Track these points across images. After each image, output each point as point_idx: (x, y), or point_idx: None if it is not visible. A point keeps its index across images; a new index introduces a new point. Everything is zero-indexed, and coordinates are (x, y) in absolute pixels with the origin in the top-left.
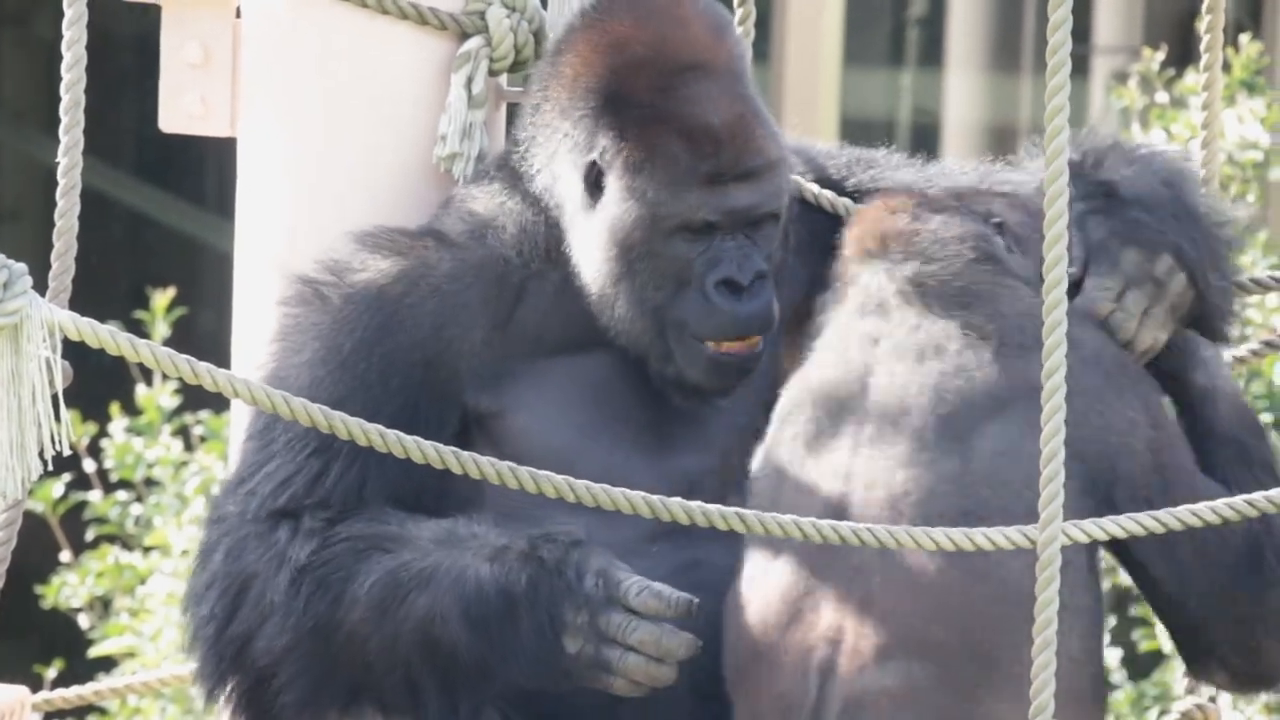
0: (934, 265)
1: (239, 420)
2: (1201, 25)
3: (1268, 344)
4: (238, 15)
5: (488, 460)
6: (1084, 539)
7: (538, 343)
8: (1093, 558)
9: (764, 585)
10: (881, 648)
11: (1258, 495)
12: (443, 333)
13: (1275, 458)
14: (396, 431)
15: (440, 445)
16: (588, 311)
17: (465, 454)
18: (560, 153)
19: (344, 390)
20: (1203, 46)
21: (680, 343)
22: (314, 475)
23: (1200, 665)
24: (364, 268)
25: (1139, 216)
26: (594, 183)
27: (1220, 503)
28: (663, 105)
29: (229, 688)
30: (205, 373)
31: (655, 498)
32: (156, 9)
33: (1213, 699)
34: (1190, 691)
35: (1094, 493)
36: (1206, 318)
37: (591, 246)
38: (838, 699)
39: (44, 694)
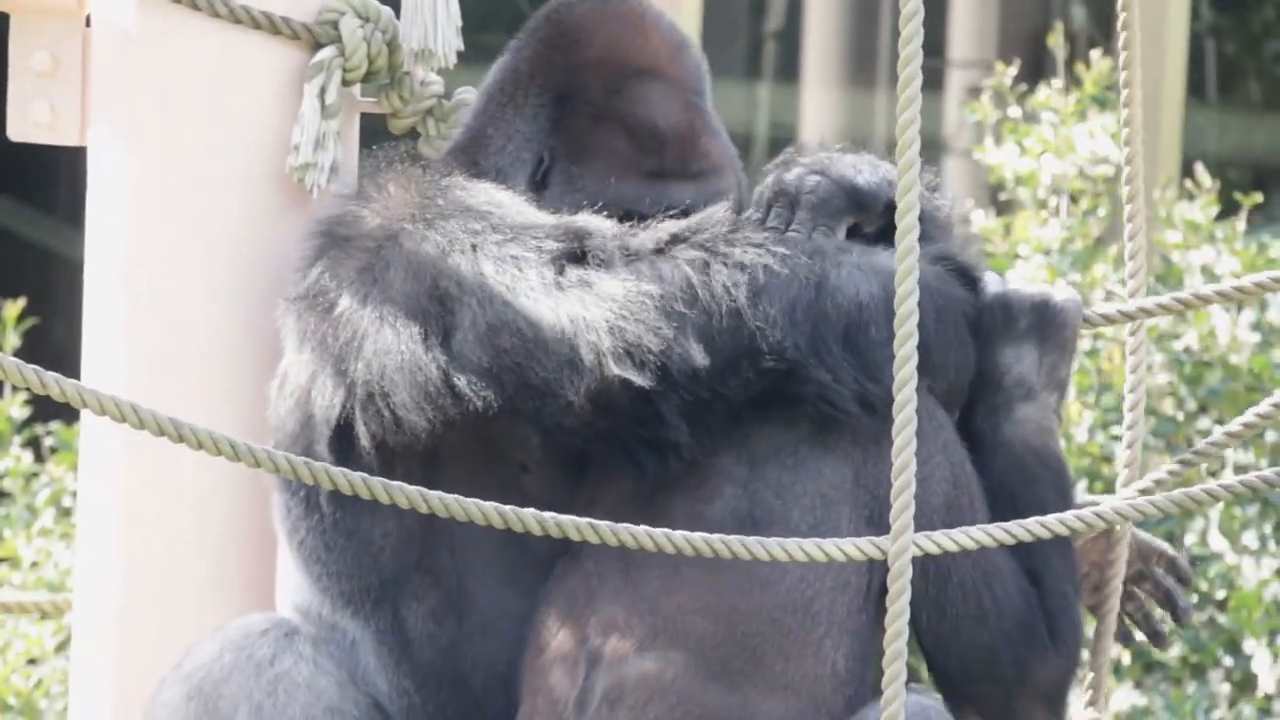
0: None
1: (90, 432)
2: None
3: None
4: (88, 24)
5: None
6: (935, 549)
7: None
8: (872, 582)
9: (559, 583)
10: (643, 637)
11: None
12: None
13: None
14: (285, 455)
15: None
16: None
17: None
18: (509, 148)
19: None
20: (1120, 43)
21: None
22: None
23: (956, 710)
24: (397, 180)
25: (787, 159)
26: (541, 178)
27: (1087, 511)
28: (612, 104)
29: None
30: (54, 383)
31: (508, 509)
32: (4, 16)
33: None
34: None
35: (878, 528)
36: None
37: None
38: (600, 688)
39: None
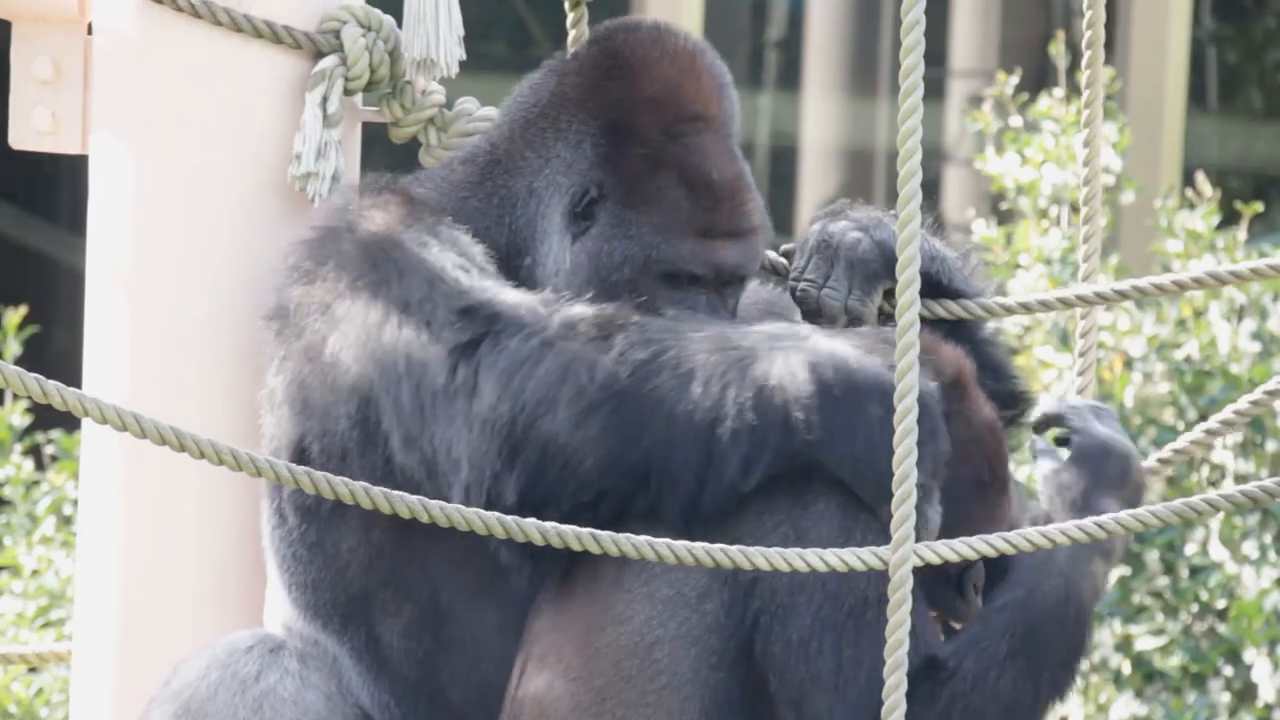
0: None
1: (91, 441)
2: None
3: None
4: (89, 31)
5: (417, 500)
6: (935, 559)
7: None
8: (730, 642)
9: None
10: (540, 657)
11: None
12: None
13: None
14: (267, 458)
15: (330, 477)
16: None
17: (375, 490)
18: (547, 171)
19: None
20: (1084, 62)
21: None
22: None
23: None
24: (366, 219)
25: (839, 209)
26: (584, 210)
27: (1089, 521)
28: (669, 150)
29: (513, 478)
30: (55, 391)
31: (510, 519)
32: (6, 24)
33: None
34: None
35: (733, 617)
36: (942, 285)
37: (569, 272)
38: (511, 702)
39: None
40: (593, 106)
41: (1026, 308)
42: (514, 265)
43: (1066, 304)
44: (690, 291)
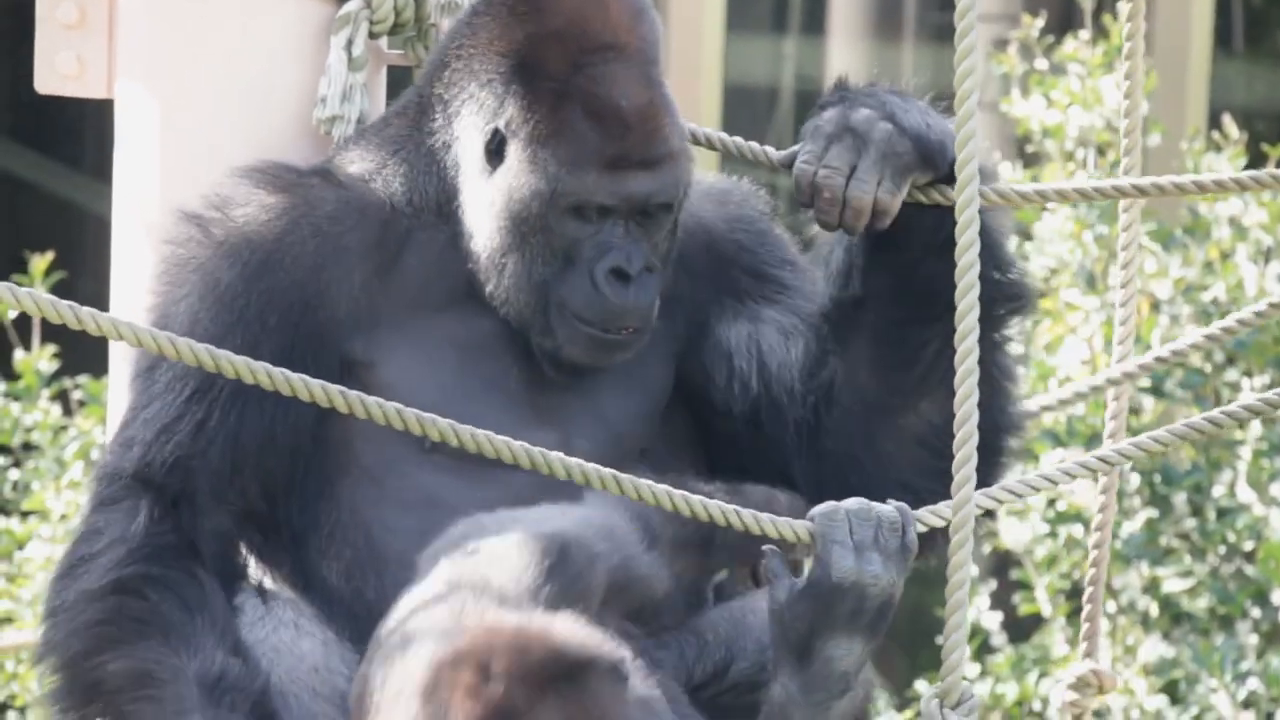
0: None
1: (119, 383)
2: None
3: None
4: None
5: (374, 400)
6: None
7: (419, 297)
8: None
9: None
10: None
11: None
12: (322, 274)
13: None
14: (282, 370)
15: (326, 384)
16: (474, 273)
17: (351, 393)
18: (464, 113)
19: (223, 327)
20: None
21: (562, 320)
22: (198, 422)
23: None
24: (247, 202)
25: (846, 94)
26: (495, 149)
27: (1109, 451)
28: (574, 82)
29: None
30: (89, 317)
31: (538, 450)
32: None
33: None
34: (1088, 654)
35: None
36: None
37: (485, 212)
38: None
39: None
40: (502, 46)
41: (1043, 196)
42: (445, 212)
43: (1084, 195)
44: (604, 225)
